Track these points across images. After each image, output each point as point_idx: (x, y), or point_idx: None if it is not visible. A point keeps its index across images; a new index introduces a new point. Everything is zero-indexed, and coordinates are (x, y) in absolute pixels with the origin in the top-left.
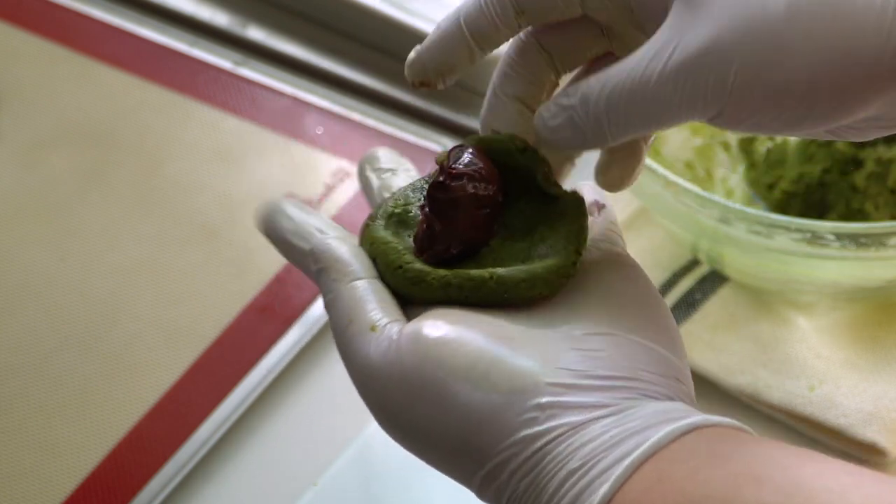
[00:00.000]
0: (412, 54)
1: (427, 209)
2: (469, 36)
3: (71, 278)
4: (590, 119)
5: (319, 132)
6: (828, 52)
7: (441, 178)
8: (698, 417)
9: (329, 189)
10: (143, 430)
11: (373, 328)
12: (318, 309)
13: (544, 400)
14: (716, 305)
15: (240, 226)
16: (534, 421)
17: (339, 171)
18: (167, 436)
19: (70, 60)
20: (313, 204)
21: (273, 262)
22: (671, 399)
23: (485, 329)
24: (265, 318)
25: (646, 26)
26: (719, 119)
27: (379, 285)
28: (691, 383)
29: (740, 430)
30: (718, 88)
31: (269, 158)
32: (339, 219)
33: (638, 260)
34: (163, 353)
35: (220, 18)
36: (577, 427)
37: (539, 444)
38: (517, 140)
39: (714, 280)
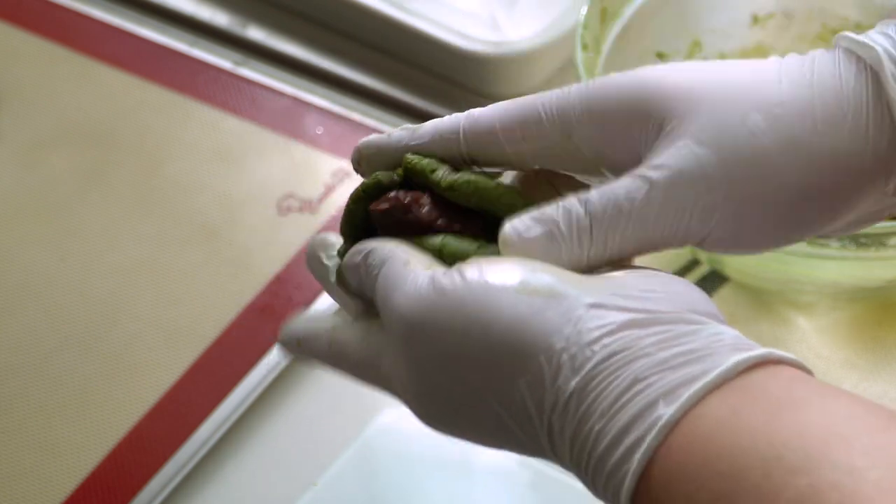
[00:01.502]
0: (360, 142)
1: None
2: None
3: (71, 278)
4: (572, 235)
5: (319, 132)
6: (812, 158)
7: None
8: (764, 350)
9: (329, 189)
10: (143, 430)
11: (429, 266)
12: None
13: (587, 300)
14: (715, 304)
15: (240, 226)
16: (579, 319)
17: (339, 171)
18: (167, 436)
19: (70, 60)
20: (313, 204)
21: (273, 262)
22: (720, 322)
23: (526, 262)
24: (265, 318)
25: (612, 170)
26: (710, 240)
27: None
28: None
29: (805, 371)
30: (707, 205)
31: (269, 158)
32: (338, 219)
33: (638, 260)
34: (163, 353)
35: (220, 18)
36: (628, 329)
37: (588, 340)
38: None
39: (714, 280)
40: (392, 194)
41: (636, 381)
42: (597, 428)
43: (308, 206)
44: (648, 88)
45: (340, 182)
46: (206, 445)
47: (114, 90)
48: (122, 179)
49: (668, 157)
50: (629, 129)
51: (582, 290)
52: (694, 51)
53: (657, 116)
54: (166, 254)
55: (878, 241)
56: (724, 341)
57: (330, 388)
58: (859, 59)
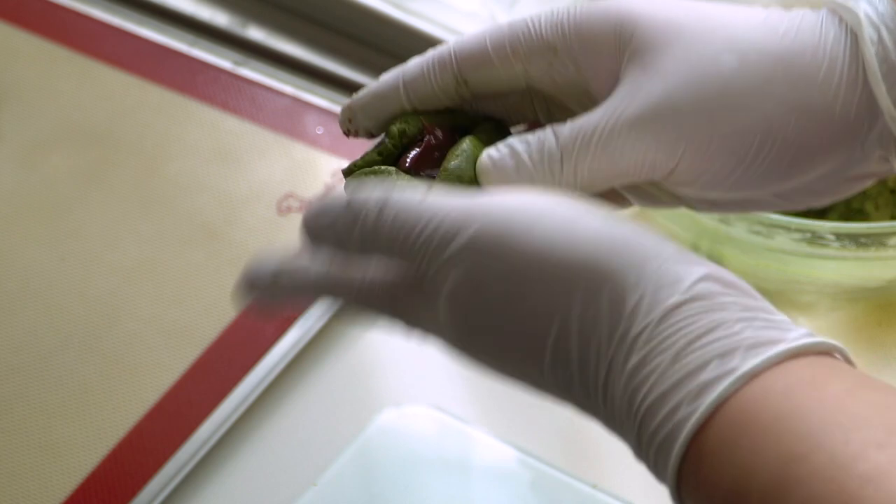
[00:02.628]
0: (348, 100)
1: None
2: (406, 98)
3: (71, 278)
4: (544, 164)
5: (319, 132)
6: (780, 106)
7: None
8: (835, 342)
9: (329, 189)
10: (143, 430)
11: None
12: (317, 309)
13: (676, 251)
14: None
15: (240, 226)
16: (668, 258)
17: (338, 171)
18: (167, 436)
19: (70, 60)
20: None
21: None
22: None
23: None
24: (265, 318)
25: (596, 96)
26: (677, 174)
27: None
28: None
29: (849, 361)
30: (674, 139)
31: (269, 158)
32: None
33: None
34: (163, 353)
35: (220, 18)
36: (715, 281)
37: (674, 276)
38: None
39: None
40: (426, 138)
41: (717, 326)
42: (665, 363)
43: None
44: (632, 16)
45: (340, 182)
46: (206, 445)
47: (114, 90)
48: (122, 179)
49: (640, 89)
50: (610, 54)
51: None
52: None
53: (636, 46)
54: (166, 254)
55: (878, 241)
56: (796, 328)
57: (330, 388)
58: (841, 20)
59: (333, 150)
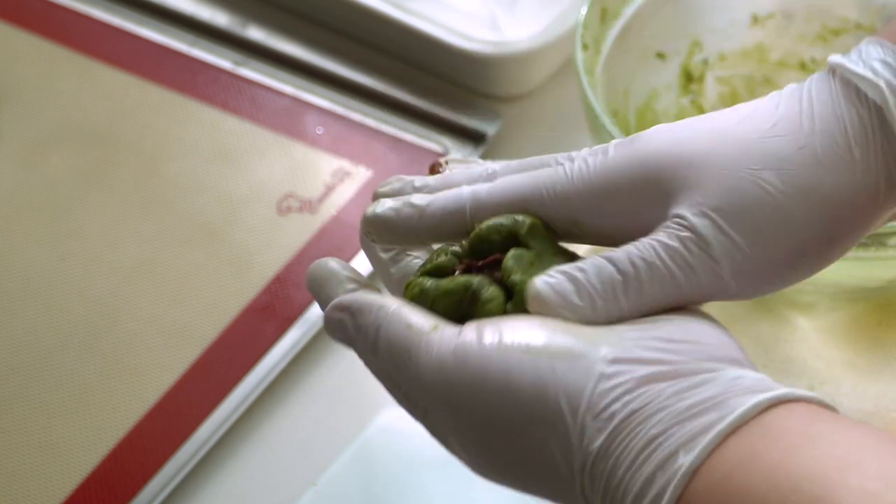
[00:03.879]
0: (368, 213)
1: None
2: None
3: (71, 278)
4: (606, 291)
5: (319, 132)
6: (826, 205)
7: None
8: (783, 390)
9: (329, 189)
10: (143, 430)
11: (435, 327)
12: (318, 309)
13: (604, 355)
14: (716, 306)
15: (240, 226)
16: (599, 378)
17: (339, 171)
18: (167, 436)
19: (70, 60)
20: (313, 204)
21: (273, 262)
22: (740, 366)
23: (538, 321)
24: (265, 318)
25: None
26: (738, 295)
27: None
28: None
29: (825, 407)
30: (735, 270)
31: (269, 158)
32: (338, 219)
33: None
34: (163, 353)
35: (220, 18)
36: (646, 384)
37: (607, 400)
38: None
39: None
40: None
41: (657, 434)
42: (624, 482)
43: (308, 206)
44: (650, 168)
45: (340, 182)
46: (206, 445)
47: (114, 90)
48: (122, 179)
49: (687, 220)
50: (637, 212)
51: (602, 346)
52: (694, 51)
53: (665, 193)
54: (166, 254)
55: (878, 241)
56: (743, 385)
57: (330, 388)
58: (858, 90)
59: (333, 150)
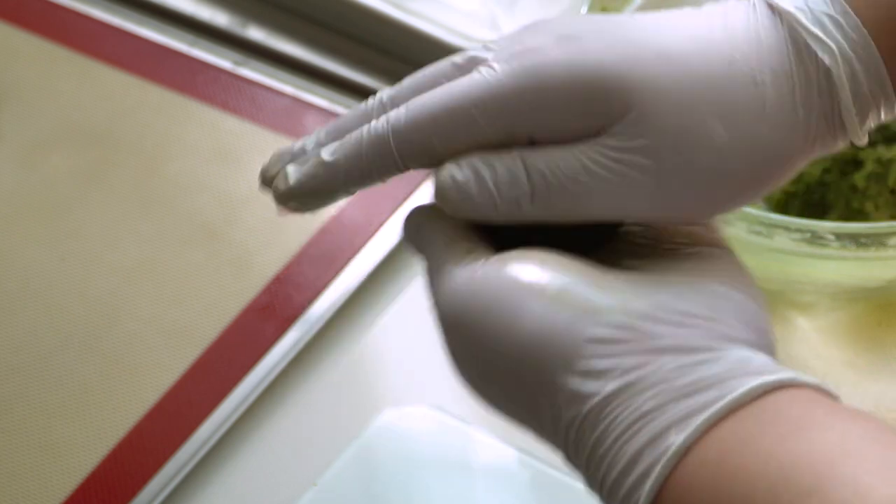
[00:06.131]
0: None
1: None
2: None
3: (71, 278)
4: (511, 199)
5: None
6: (763, 154)
7: None
8: (785, 374)
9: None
10: (143, 430)
11: (468, 252)
12: (318, 309)
13: (615, 319)
14: None
15: (240, 226)
16: (601, 341)
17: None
18: (167, 436)
19: (70, 60)
20: None
21: (273, 262)
22: (753, 348)
23: (566, 262)
24: (265, 318)
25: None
26: (643, 218)
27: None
28: (774, 335)
29: (828, 395)
30: (658, 195)
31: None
32: (338, 219)
33: None
34: (163, 353)
35: (220, 18)
36: (648, 355)
37: (605, 365)
38: None
39: None
40: None
41: (651, 408)
42: (610, 453)
43: None
44: (592, 82)
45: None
46: (206, 445)
47: (114, 90)
48: (122, 179)
49: (625, 148)
50: (582, 118)
51: (616, 304)
52: None
53: (607, 107)
54: (166, 254)
55: (878, 241)
56: (748, 367)
57: (330, 388)
58: (808, 46)
59: None
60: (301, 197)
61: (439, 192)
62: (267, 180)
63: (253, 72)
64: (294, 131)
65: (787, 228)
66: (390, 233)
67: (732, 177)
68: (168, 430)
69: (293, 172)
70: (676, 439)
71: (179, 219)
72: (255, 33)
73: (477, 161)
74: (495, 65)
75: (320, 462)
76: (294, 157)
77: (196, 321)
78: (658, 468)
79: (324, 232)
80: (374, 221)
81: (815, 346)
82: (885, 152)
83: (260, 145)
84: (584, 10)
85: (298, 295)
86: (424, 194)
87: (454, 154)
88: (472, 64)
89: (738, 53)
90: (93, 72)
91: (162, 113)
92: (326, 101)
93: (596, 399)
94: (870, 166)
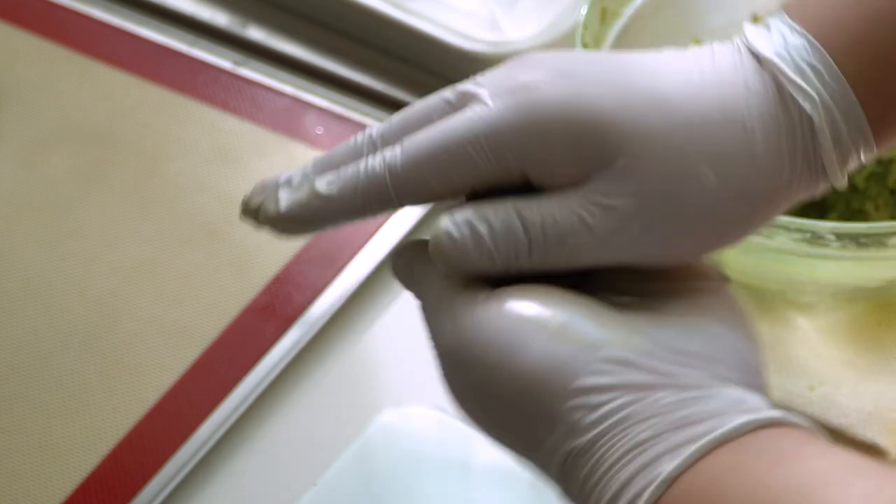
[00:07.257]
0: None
1: None
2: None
3: (71, 278)
4: (510, 252)
5: (319, 132)
6: (753, 200)
7: None
8: (777, 413)
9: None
10: (143, 430)
11: (465, 286)
12: (318, 309)
13: (615, 354)
14: None
15: (240, 226)
16: (602, 373)
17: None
18: (167, 436)
19: (70, 60)
20: None
21: (273, 262)
22: (747, 388)
23: (567, 297)
24: (265, 318)
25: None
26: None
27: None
28: (768, 378)
29: (817, 434)
30: (647, 243)
31: (269, 158)
32: None
33: None
34: (163, 353)
35: (220, 18)
36: (646, 390)
37: (604, 398)
38: None
39: None
40: None
41: (645, 439)
42: (603, 481)
43: None
44: (602, 126)
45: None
46: (206, 445)
47: (114, 90)
48: (122, 179)
49: (617, 196)
50: (572, 157)
51: (617, 340)
52: None
53: (598, 150)
54: (166, 254)
55: (878, 241)
56: (742, 406)
57: (330, 388)
58: (791, 95)
59: None
60: (288, 223)
61: (435, 250)
62: (249, 210)
63: (253, 72)
64: (294, 131)
65: (787, 228)
66: (390, 233)
67: (722, 221)
68: (168, 430)
69: (285, 198)
70: (667, 467)
71: (179, 219)
72: (255, 33)
73: (472, 215)
74: (490, 101)
75: (320, 462)
76: (279, 188)
77: (196, 321)
78: (647, 494)
79: (324, 232)
80: (374, 222)
81: (815, 346)
82: (885, 152)
83: (260, 145)
84: (583, 11)
85: (298, 295)
86: None
87: (451, 192)
88: (464, 100)
89: (729, 98)
90: (93, 72)
91: (162, 113)
92: (326, 101)
93: (594, 431)
94: (870, 166)
